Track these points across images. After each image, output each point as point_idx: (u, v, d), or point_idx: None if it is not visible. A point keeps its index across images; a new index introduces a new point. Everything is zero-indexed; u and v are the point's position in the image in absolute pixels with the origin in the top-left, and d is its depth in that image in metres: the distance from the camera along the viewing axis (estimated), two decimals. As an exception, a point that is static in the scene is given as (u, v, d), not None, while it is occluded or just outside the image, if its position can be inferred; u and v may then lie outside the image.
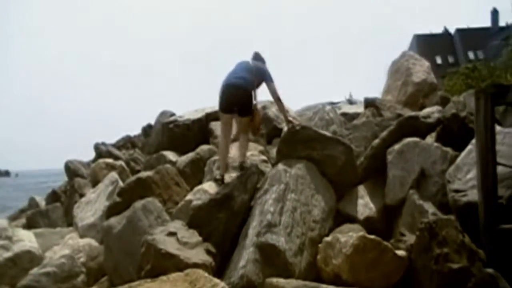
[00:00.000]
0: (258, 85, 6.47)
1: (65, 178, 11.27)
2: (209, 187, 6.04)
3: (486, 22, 47.86)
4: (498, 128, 4.72)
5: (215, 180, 6.17)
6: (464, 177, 4.67)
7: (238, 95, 6.28)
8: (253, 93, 6.42)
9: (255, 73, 6.44)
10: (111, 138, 13.02)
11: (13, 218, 10.67)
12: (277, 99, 6.43)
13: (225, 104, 6.40)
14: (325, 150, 5.64)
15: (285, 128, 5.91)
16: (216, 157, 7.28)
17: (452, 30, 52.26)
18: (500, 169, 4.32)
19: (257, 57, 6.88)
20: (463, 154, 4.94)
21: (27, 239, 6.35)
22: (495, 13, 46.71)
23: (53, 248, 6.52)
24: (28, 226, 8.50)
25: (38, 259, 6.12)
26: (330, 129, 7.14)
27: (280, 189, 5.03)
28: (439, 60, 46.92)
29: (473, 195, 4.39)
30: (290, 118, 6.41)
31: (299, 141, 5.66)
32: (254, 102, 6.46)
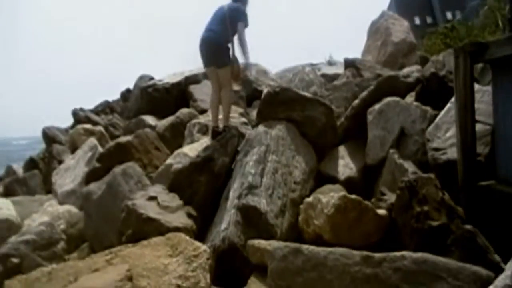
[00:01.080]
0: (234, 32, 6.30)
1: (43, 146, 11.13)
2: (189, 150, 6.00)
3: (464, -18, 47.73)
4: (476, 86, 4.71)
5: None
6: (444, 136, 4.68)
7: (211, 49, 6.28)
8: (226, 43, 6.33)
9: (229, 20, 6.28)
10: (90, 104, 12.81)
11: (-11, 187, 10.54)
12: (240, 40, 6.27)
13: (203, 59, 6.43)
14: (305, 111, 5.61)
15: (265, 90, 5.85)
16: (196, 120, 7.23)
17: (431, -10, 52.08)
18: (479, 126, 4.34)
19: None
20: (442, 112, 4.94)
21: (4, 207, 6.28)
22: (473, -27, 46.64)
23: (32, 216, 6.46)
24: (6, 194, 8.40)
25: (17, 227, 6.07)
26: (310, 90, 7.09)
27: (261, 151, 5.00)
28: (417, 21, 46.79)
29: (452, 153, 4.42)
30: (248, 61, 6.33)
31: (279, 103, 5.61)
32: (229, 52, 6.35)
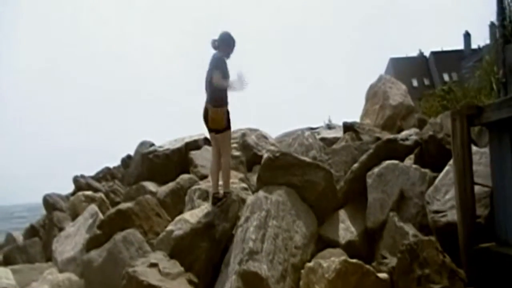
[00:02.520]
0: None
1: (44, 212, 11.10)
2: (190, 216, 5.99)
3: (459, 45, 48.87)
4: (474, 148, 4.78)
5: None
6: (443, 198, 4.71)
7: (206, 114, 6.20)
8: (218, 107, 6.12)
9: (209, 72, 6.15)
10: (91, 170, 12.86)
11: (-11, 256, 10.45)
12: (218, 86, 6.00)
13: (205, 124, 6.32)
14: (305, 176, 5.66)
15: (265, 155, 5.92)
16: (196, 186, 7.25)
17: (427, 53, 53.28)
18: (477, 188, 4.37)
19: (215, 45, 6.35)
20: (441, 175, 4.99)
21: (3, 276, 6.23)
22: (467, 36, 47.78)
23: (32, 285, 6.38)
24: (5, 262, 8.31)
25: (16, 296, 6.00)
26: (309, 155, 7.15)
27: (261, 216, 5.02)
28: (415, 83, 47.73)
29: (452, 215, 4.43)
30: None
31: (279, 168, 5.67)
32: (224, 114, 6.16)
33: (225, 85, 6.12)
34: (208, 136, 7.24)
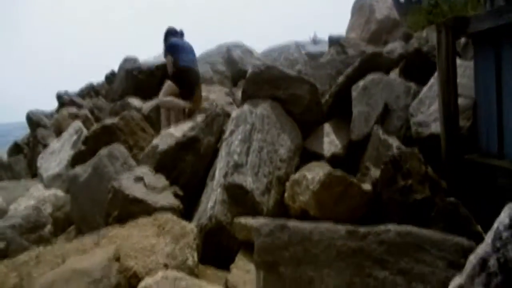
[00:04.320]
0: None
1: (28, 131, 11.05)
2: (175, 130, 5.98)
3: (449, -42, 47.71)
4: (459, 61, 4.74)
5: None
6: (427, 110, 4.72)
7: (196, 78, 7.22)
8: None
9: None
10: (74, 87, 12.72)
11: (-25, 173, 10.47)
12: None
13: (190, 86, 7.17)
14: (290, 89, 5.61)
15: (250, 69, 5.84)
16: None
17: (415, -33, 52.08)
18: (461, 101, 4.37)
19: (183, 34, 7.84)
20: (425, 88, 4.97)
21: (-11, 193, 6.24)
22: None
23: (18, 200, 6.42)
24: (-9, 180, 8.35)
25: (2, 212, 6.03)
26: (295, 69, 7.10)
27: (246, 130, 5.01)
28: (402, -2, 46.92)
29: (435, 127, 4.46)
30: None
31: (264, 81, 5.61)
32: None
33: None
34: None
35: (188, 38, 7.71)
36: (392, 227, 3.28)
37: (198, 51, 10.92)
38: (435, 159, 4.16)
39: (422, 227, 3.33)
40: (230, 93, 7.83)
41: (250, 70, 5.83)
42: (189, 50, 7.53)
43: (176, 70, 7.18)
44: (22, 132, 12.03)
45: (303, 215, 4.24)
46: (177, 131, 5.88)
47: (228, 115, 5.83)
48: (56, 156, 7.85)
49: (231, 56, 9.89)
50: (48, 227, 5.77)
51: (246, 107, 5.38)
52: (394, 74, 5.80)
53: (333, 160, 5.27)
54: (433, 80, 4.86)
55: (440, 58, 4.36)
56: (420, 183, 3.86)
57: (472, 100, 4.48)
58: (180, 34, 7.83)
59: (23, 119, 11.24)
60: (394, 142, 4.69)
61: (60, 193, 6.56)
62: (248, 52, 10.51)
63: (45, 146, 8.88)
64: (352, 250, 3.21)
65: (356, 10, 10.34)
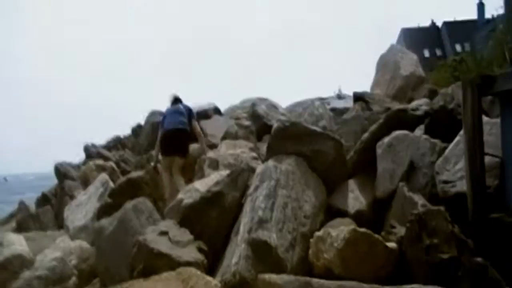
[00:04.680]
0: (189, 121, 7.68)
1: (55, 181, 11.22)
2: (200, 185, 6.04)
3: (473, 15, 48.06)
4: (485, 118, 4.74)
5: None
6: (453, 168, 4.70)
7: (179, 138, 7.46)
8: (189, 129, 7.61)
9: (187, 114, 7.72)
10: (101, 139, 13.01)
11: (3, 223, 10.63)
12: (199, 135, 7.72)
13: (167, 148, 7.47)
14: (315, 146, 5.64)
15: (275, 125, 5.91)
16: (206, 156, 7.29)
17: (439, 24, 52.55)
18: (488, 159, 4.36)
19: (178, 100, 8.13)
20: (451, 145, 4.96)
21: (17, 243, 6.31)
22: (481, 6, 46.88)
23: (44, 251, 6.48)
24: (19, 229, 8.46)
25: (29, 262, 6.07)
26: (319, 125, 7.15)
27: (271, 185, 5.03)
28: (427, 53, 47.22)
29: (461, 186, 4.43)
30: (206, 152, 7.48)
31: (288, 137, 5.66)
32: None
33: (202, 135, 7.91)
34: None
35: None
36: (418, 287, 3.23)
37: (223, 107, 11.11)
38: (461, 218, 4.12)
39: (448, 287, 3.28)
40: (255, 148, 7.90)
41: (275, 125, 5.89)
42: (173, 113, 7.82)
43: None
44: (49, 182, 12.23)
45: (328, 273, 4.19)
46: (202, 185, 5.94)
47: (253, 170, 5.86)
48: (82, 208, 7.94)
49: (256, 111, 10.00)
50: (73, 279, 5.81)
51: (271, 162, 5.42)
52: (419, 131, 5.80)
53: (358, 217, 5.23)
54: (459, 138, 4.86)
55: (466, 116, 4.37)
56: (446, 242, 3.82)
57: (499, 159, 4.45)
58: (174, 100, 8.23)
59: (50, 169, 11.45)
60: (419, 200, 4.66)
61: (85, 245, 6.61)
62: (273, 107, 10.62)
63: (72, 197, 9.01)
64: (378, 311, 3.17)
65: (381, 66, 10.43)
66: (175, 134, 7.48)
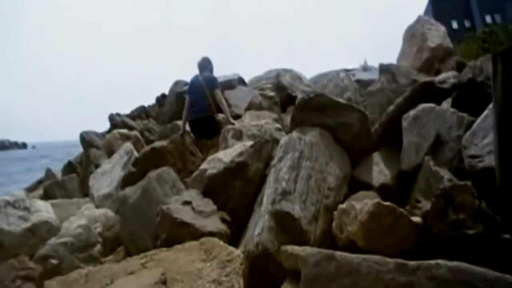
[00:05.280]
0: (214, 99, 7.74)
1: (81, 150, 11.38)
2: (224, 155, 6.04)
3: (504, -15, 46.79)
4: (516, 92, 4.62)
5: None
6: (481, 143, 4.60)
7: (205, 126, 7.68)
8: (213, 113, 7.76)
9: (207, 87, 7.79)
10: (126, 108, 13.13)
11: (30, 189, 10.84)
12: (223, 105, 7.68)
13: (195, 134, 7.87)
14: (339, 117, 5.58)
15: (299, 96, 5.86)
16: (230, 126, 7.28)
17: (468, -6, 51.26)
18: (517, 134, 4.25)
19: (204, 65, 8.28)
20: (479, 119, 4.85)
21: (44, 210, 6.42)
22: (513, -24, 45.62)
23: (70, 219, 6.59)
24: (46, 197, 8.61)
25: (55, 229, 6.20)
26: (344, 96, 7.07)
27: (295, 157, 5.00)
28: (455, 25, 46.24)
29: (489, 161, 4.34)
30: (232, 121, 7.48)
31: (313, 109, 5.60)
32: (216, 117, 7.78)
33: (225, 104, 7.86)
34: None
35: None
36: (443, 263, 3.19)
37: (248, 77, 11.06)
38: (489, 194, 4.04)
39: (474, 264, 3.24)
40: (279, 119, 7.87)
41: (299, 97, 5.83)
42: (194, 93, 8.03)
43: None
44: (76, 150, 12.40)
45: (351, 246, 4.18)
46: (226, 156, 5.94)
47: (277, 141, 5.83)
48: (107, 177, 8.03)
49: (280, 81, 9.95)
50: (98, 247, 5.90)
51: (294, 134, 5.38)
52: (446, 104, 5.70)
53: (383, 190, 5.19)
54: (488, 112, 4.75)
55: (496, 89, 4.26)
56: (472, 217, 3.76)
57: (528, 134, 4.35)
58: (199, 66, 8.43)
59: (77, 137, 11.60)
60: (445, 174, 4.59)
61: (110, 213, 6.70)
62: (298, 78, 10.56)
63: (97, 166, 9.12)
64: (401, 285, 3.15)
65: (408, 37, 10.25)
66: (197, 123, 7.83)
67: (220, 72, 9.76)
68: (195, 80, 8.13)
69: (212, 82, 7.91)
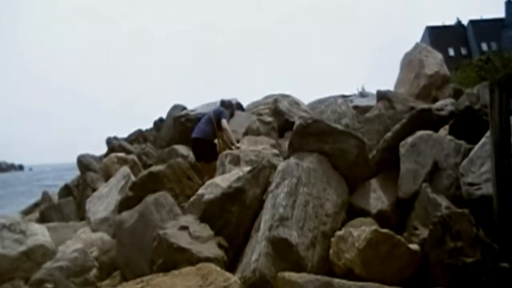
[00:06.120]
0: (218, 124, 8.11)
1: (78, 173, 11.36)
2: (221, 181, 6.04)
3: (500, 13, 47.33)
4: (513, 120, 4.65)
5: None
6: (478, 170, 4.62)
7: (202, 147, 8.03)
8: (211, 137, 8.17)
9: (214, 116, 8.20)
10: (124, 132, 13.17)
11: (26, 213, 10.79)
12: (226, 131, 8.00)
13: (194, 154, 8.35)
14: (337, 144, 5.59)
15: (297, 122, 5.88)
16: (228, 151, 7.29)
17: (465, 22, 51.79)
18: (515, 162, 4.27)
19: (223, 103, 8.88)
20: (477, 147, 4.88)
21: (40, 233, 6.38)
22: (509, 4, 46.18)
23: (66, 242, 6.55)
24: (42, 220, 8.58)
25: (51, 253, 6.15)
26: (342, 122, 7.09)
27: (292, 183, 5.00)
28: (452, 52, 46.63)
29: (487, 188, 4.34)
30: (237, 145, 7.73)
31: (310, 134, 5.62)
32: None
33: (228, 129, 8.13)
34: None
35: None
36: (441, 292, 3.19)
37: (246, 102, 11.14)
38: (486, 222, 4.05)
39: (472, 293, 3.23)
40: (276, 144, 7.89)
41: (297, 122, 5.85)
42: (202, 120, 8.42)
43: None
44: (72, 173, 12.39)
45: (348, 273, 4.16)
46: (223, 181, 5.93)
47: (274, 167, 5.83)
48: (104, 200, 8.01)
49: (278, 107, 10.00)
50: (94, 271, 5.85)
51: (292, 160, 5.39)
52: (443, 132, 5.73)
53: (380, 217, 5.18)
54: (485, 139, 4.77)
55: (493, 117, 4.29)
56: (470, 245, 3.76)
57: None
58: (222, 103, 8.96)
59: (73, 160, 11.60)
60: (443, 201, 4.60)
61: (106, 237, 6.66)
62: (295, 103, 10.61)
63: (94, 189, 9.09)
64: (399, 314, 3.13)
65: (405, 64, 10.35)
66: (194, 143, 8.27)
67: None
68: (207, 112, 8.69)
69: (220, 113, 8.30)
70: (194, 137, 8.22)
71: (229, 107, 8.93)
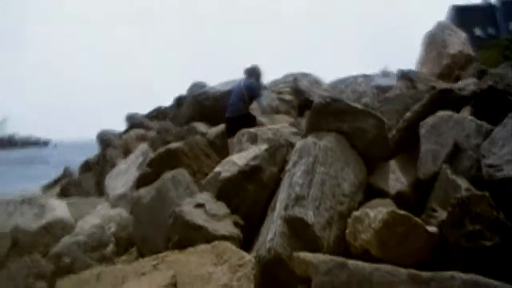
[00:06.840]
0: (251, 100, 8.20)
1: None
2: (238, 159, 6.00)
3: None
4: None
5: None
6: (500, 151, 4.51)
7: (238, 124, 7.63)
8: (246, 112, 8.16)
9: (247, 94, 8.16)
10: (144, 109, 13.22)
11: (48, 187, 10.92)
12: (253, 111, 8.15)
13: (228, 132, 8.00)
14: (356, 123, 5.52)
15: (316, 100, 5.80)
16: (245, 129, 7.25)
17: (494, 1, 50.57)
18: (538, 143, 4.17)
19: (250, 72, 8.60)
20: (498, 127, 4.75)
21: (59, 208, 6.45)
22: (540, -16, 44.90)
23: (85, 217, 6.60)
24: (62, 195, 8.67)
25: (70, 227, 6.21)
26: (362, 102, 7.01)
27: (309, 162, 4.95)
28: (478, 32, 45.60)
29: (508, 170, 4.24)
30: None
31: (329, 113, 5.55)
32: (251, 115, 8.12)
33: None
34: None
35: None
36: (457, 275, 3.14)
37: (266, 80, 11.05)
38: (507, 204, 3.96)
39: (490, 277, 3.17)
40: (295, 122, 7.82)
41: (315, 101, 5.79)
42: (234, 94, 8.39)
43: None
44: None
45: (364, 254, 4.12)
46: (240, 159, 5.90)
47: (292, 145, 5.78)
48: (122, 177, 8.05)
49: (298, 86, 9.91)
50: (111, 247, 5.90)
51: (310, 139, 5.34)
52: (465, 112, 5.60)
53: (398, 198, 5.11)
54: (507, 120, 4.66)
55: (516, 98, 4.19)
56: (489, 229, 3.68)
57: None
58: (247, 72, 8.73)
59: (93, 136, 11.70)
60: (463, 183, 4.50)
61: (124, 213, 6.70)
62: (315, 82, 10.51)
63: (113, 166, 9.14)
64: (414, 296, 3.10)
65: (428, 42, 10.15)
66: (231, 122, 8.00)
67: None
68: (238, 83, 8.48)
69: (252, 91, 8.25)
70: (228, 116, 8.19)
71: (254, 74, 8.72)
